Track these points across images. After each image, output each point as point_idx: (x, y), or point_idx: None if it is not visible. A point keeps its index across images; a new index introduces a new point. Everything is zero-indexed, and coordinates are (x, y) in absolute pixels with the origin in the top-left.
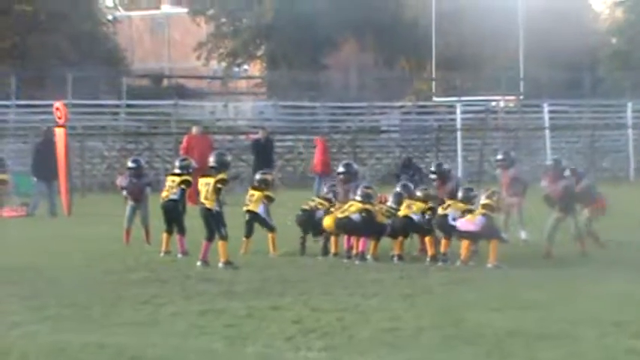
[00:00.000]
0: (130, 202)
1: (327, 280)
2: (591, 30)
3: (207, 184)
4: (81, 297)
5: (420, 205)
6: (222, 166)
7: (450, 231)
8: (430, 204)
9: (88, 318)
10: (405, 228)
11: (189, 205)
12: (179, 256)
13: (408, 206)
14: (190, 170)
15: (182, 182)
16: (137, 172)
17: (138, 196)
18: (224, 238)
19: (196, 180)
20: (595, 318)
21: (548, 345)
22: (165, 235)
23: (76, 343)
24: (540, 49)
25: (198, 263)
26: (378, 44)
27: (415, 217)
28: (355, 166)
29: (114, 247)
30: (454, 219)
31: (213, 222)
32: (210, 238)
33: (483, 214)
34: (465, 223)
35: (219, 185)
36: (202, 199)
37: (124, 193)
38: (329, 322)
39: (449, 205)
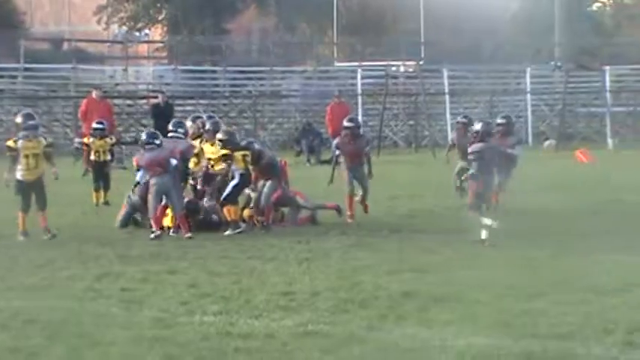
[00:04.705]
0: None
1: (225, 244)
2: None
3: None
4: None
5: None
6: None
7: None
8: None
9: None
10: None
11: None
12: None
13: None
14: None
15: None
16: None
17: None
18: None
19: None
20: (490, 281)
21: (443, 307)
22: None
23: None
24: (441, 14)
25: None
26: (279, 8)
27: None
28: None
29: (10, 212)
30: None
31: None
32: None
33: None
34: None
35: None
36: None
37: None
38: (225, 286)
39: None
